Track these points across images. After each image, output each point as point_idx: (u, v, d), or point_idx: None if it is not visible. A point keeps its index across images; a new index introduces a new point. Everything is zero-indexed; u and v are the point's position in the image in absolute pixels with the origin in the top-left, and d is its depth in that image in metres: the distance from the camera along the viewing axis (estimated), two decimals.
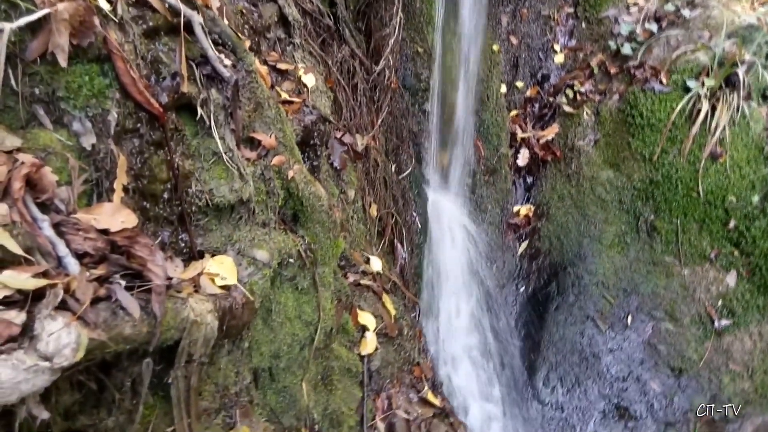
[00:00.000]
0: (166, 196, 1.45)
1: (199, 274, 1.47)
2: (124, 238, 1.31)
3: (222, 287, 1.49)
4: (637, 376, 3.14)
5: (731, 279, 3.18)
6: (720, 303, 3.18)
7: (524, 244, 3.63)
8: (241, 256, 1.55)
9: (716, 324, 3.17)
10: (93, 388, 1.31)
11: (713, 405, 3.10)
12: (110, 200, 1.35)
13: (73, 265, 1.18)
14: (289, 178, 1.70)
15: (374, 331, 2.16)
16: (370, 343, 2.12)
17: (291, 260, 1.75)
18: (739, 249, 3.17)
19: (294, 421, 1.85)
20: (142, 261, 1.28)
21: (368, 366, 2.11)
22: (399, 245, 2.62)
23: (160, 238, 1.46)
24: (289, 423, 1.83)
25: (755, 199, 3.11)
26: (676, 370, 3.15)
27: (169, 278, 1.38)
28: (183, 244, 1.51)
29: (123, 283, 1.23)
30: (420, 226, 2.87)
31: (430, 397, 2.21)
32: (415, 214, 2.83)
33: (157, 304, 1.25)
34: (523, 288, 3.52)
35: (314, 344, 1.88)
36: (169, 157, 1.44)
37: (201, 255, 1.52)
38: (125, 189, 1.39)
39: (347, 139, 2.31)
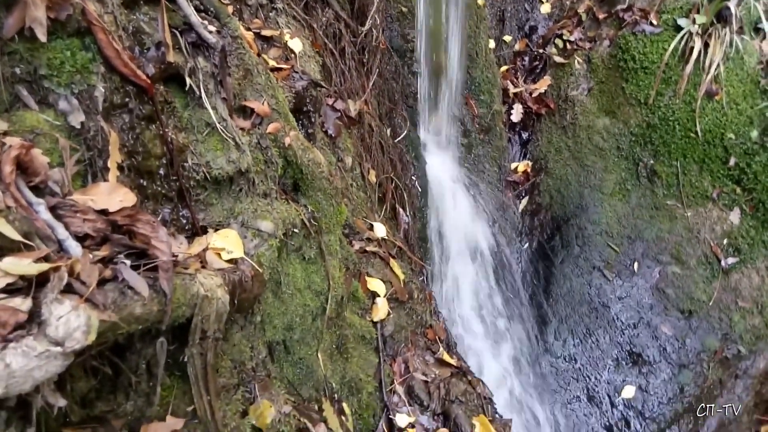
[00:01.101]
0: (162, 172, 1.41)
1: (205, 250, 1.43)
2: (125, 217, 1.27)
3: (229, 261, 1.45)
4: (648, 321, 3.14)
5: (735, 217, 3.17)
6: (725, 242, 3.17)
7: (525, 201, 3.60)
8: (245, 228, 1.51)
9: (723, 263, 3.17)
10: (108, 373, 1.28)
11: (725, 343, 3.11)
12: (105, 180, 1.31)
13: (74, 247, 1.14)
14: (286, 145, 1.65)
15: (385, 296, 2.13)
16: (381, 309, 2.10)
17: (296, 230, 1.71)
18: (741, 186, 3.15)
19: (313, 391, 1.83)
20: (145, 239, 1.24)
21: (382, 332, 2.09)
22: (401, 210, 2.58)
23: (160, 216, 1.42)
24: (308, 394, 1.81)
25: (754, 134, 3.08)
26: (686, 312, 3.15)
27: (175, 255, 1.35)
28: (185, 221, 1.47)
29: (128, 262, 1.19)
30: (420, 190, 2.83)
31: (446, 357, 2.20)
32: (414, 177, 2.78)
33: (165, 281, 1.21)
34: (527, 244, 3.50)
35: (326, 314, 1.85)
36: (161, 131, 1.39)
37: (204, 230, 1.48)
38: (120, 167, 1.34)
39: (339, 105, 2.25)
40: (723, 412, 3.13)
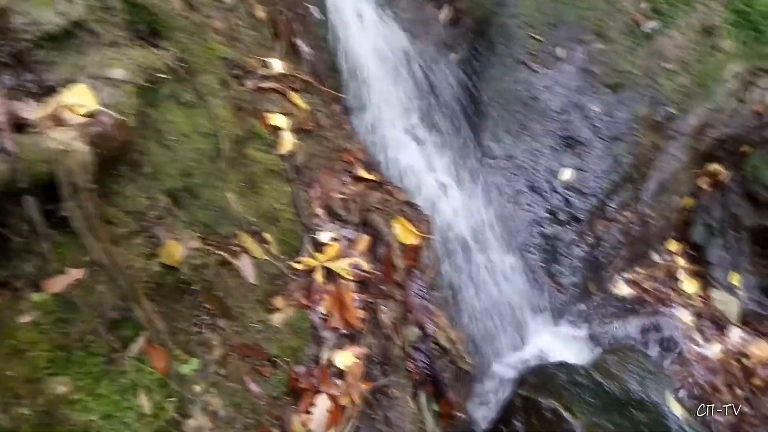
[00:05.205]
0: None
1: (58, 109, 1.43)
2: None
3: (87, 115, 1.46)
4: (577, 103, 3.17)
5: None
6: (644, 6, 3.11)
7: (445, 10, 3.48)
8: (95, 79, 1.50)
9: (644, 28, 3.12)
10: None
11: (655, 108, 3.17)
12: None
13: None
14: None
15: (289, 129, 2.15)
16: (287, 142, 2.13)
17: (162, 75, 1.69)
18: None
19: (230, 228, 1.91)
20: None
21: (293, 163, 2.14)
22: (300, 42, 2.51)
23: (1, 84, 1.40)
24: (226, 231, 1.90)
25: None
26: (613, 86, 3.16)
27: (24, 119, 1.36)
28: (31, 84, 1.45)
29: None
30: (318, 18, 2.73)
31: (363, 173, 2.26)
32: (308, 5, 2.67)
33: (7, 140, 1.23)
34: (453, 55, 3.44)
35: (224, 154, 1.88)
36: None
37: (54, 90, 1.47)
38: None
39: None
40: (661, 174, 3.27)
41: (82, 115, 1.45)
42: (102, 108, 1.47)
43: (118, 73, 1.52)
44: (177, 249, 1.63)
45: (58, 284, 1.41)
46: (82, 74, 1.50)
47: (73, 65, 1.50)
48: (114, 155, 1.49)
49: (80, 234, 1.43)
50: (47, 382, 1.37)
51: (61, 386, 1.38)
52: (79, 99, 1.46)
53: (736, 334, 3.17)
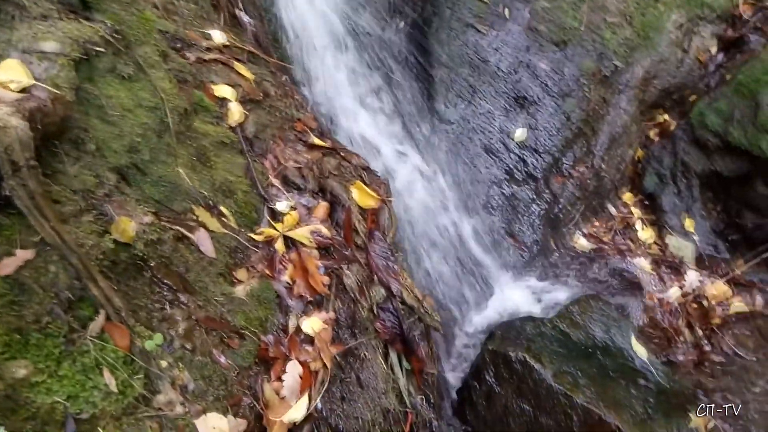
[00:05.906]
0: None
1: None
2: None
3: (21, 90, 1.41)
4: (526, 63, 3.20)
5: None
6: None
7: None
8: (28, 54, 1.45)
9: None
10: None
11: (602, 62, 3.22)
12: None
13: None
14: None
15: (236, 100, 2.12)
16: (235, 113, 2.09)
17: (98, 48, 1.63)
18: None
19: (186, 204, 1.88)
20: None
21: (243, 134, 2.11)
22: (241, 14, 2.47)
23: None
24: (182, 207, 1.87)
25: None
26: (560, 43, 3.20)
27: None
28: None
29: None
30: None
31: (317, 141, 2.25)
32: None
33: None
34: (402, 22, 3.42)
35: (172, 128, 1.84)
36: None
37: None
38: None
39: None
40: (611, 127, 3.33)
41: (17, 91, 1.40)
42: (37, 83, 1.42)
43: (51, 46, 1.47)
44: (129, 225, 1.60)
45: (6, 267, 1.37)
46: (14, 49, 1.44)
47: (4, 41, 1.44)
48: (54, 131, 1.45)
49: (26, 213, 1.38)
50: (6, 366, 1.33)
51: (20, 369, 1.35)
52: (12, 75, 1.41)
53: (693, 277, 3.27)
